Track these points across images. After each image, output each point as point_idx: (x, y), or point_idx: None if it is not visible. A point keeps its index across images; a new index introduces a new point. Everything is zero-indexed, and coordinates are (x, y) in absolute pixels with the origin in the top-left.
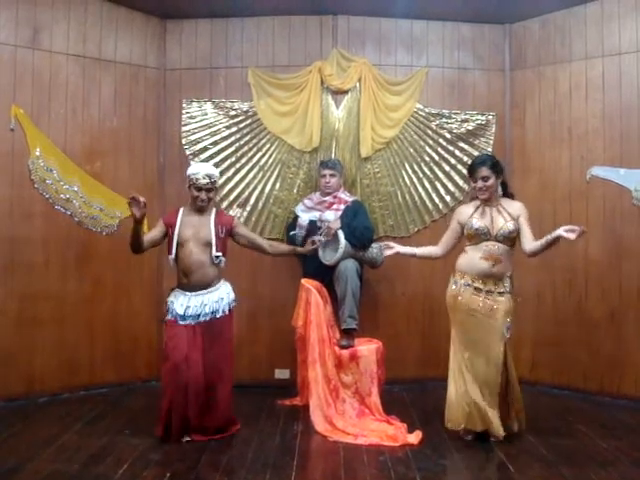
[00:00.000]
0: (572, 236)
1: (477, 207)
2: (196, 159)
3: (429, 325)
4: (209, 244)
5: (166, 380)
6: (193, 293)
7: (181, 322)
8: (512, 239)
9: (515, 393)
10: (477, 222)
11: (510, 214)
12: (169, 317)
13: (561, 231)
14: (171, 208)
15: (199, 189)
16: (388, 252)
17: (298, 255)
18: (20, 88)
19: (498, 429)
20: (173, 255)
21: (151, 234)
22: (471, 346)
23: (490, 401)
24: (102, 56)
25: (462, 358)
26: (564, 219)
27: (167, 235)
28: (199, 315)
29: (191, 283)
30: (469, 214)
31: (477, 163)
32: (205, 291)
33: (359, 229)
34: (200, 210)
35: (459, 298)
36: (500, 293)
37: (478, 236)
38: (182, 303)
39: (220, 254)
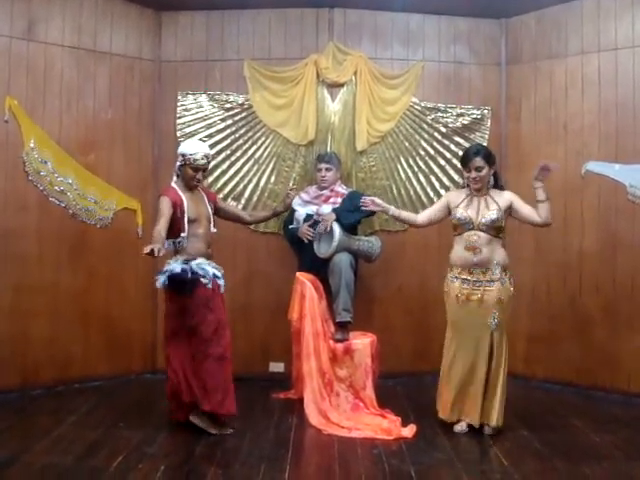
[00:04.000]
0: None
1: (467, 196)
2: None
3: (423, 319)
4: (209, 220)
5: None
6: (212, 262)
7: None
8: (496, 228)
9: (500, 387)
10: (461, 212)
11: (498, 204)
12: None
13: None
14: None
15: (196, 169)
16: (372, 207)
17: (294, 248)
18: (15, 79)
19: (475, 420)
20: (186, 233)
21: (166, 219)
22: (460, 337)
23: (474, 391)
24: (97, 48)
25: (453, 349)
26: (559, 214)
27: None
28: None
29: (212, 254)
30: (457, 202)
31: (471, 153)
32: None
33: (360, 201)
34: (193, 188)
35: (449, 291)
36: (489, 282)
37: (461, 226)
38: (214, 268)
39: (215, 229)
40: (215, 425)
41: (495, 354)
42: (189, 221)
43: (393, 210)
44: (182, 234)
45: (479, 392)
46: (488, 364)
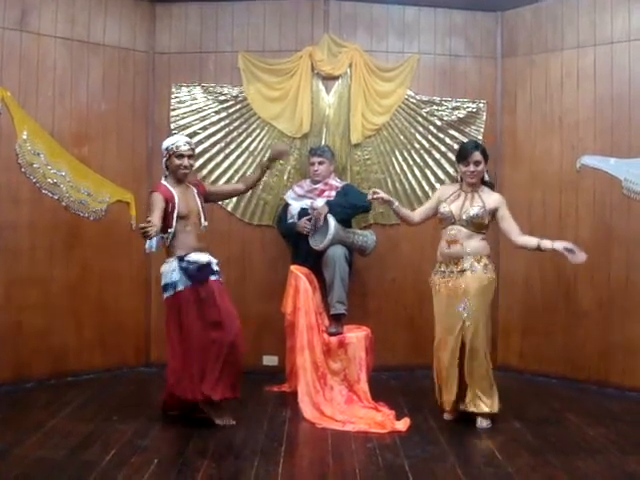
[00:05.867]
0: (574, 258)
1: (455, 190)
2: None
3: (418, 312)
4: (199, 216)
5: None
6: (207, 254)
7: (217, 277)
8: (476, 224)
9: (477, 374)
10: (444, 206)
11: (484, 202)
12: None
13: (561, 247)
14: None
15: (181, 156)
16: (375, 196)
17: (287, 241)
18: (7, 70)
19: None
20: (174, 228)
21: (159, 212)
22: (440, 327)
23: (454, 380)
24: (91, 39)
25: (437, 340)
26: (554, 208)
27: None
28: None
29: (204, 247)
30: (445, 197)
31: (471, 147)
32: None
33: (354, 197)
34: (181, 180)
35: (431, 283)
36: (460, 272)
37: (444, 220)
38: (208, 259)
39: (206, 223)
40: (221, 416)
41: (470, 344)
42: (179, 217)
43: (397, 205)
44: (169, 230)
45: (455, 380)
46: (461, 353)
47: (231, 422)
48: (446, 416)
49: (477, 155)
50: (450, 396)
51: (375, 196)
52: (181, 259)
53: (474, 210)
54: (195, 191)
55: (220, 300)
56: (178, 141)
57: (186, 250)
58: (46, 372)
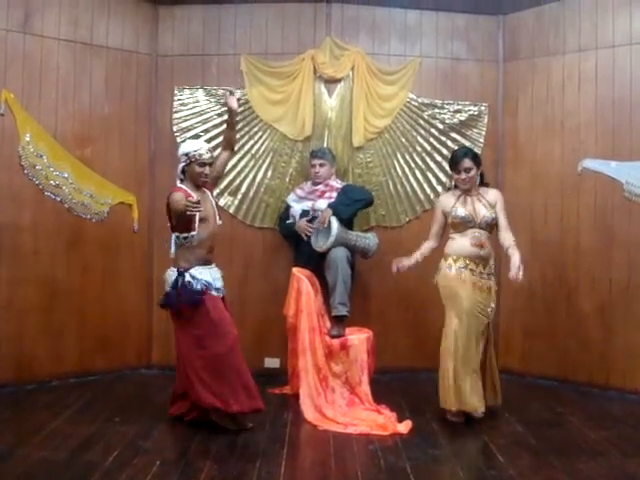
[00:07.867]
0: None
1: (458, 197)
2: None
3: (420, 315)
4: (215, 217)
5: (233, 354)
6: (212, 266)
7: (216, 294)
8: (492, 226)
9: (493, 370)
10: (462, 211)
11: (489, 202)
12: (202, 290)
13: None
14: (162, 195)
15: (203, 164)
16: (400, 269)
17: (289, 243)
18: (11, 72)
19: (478, 406)
20: (197, 231)
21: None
22: (471, 324)
23: (474, 377)
24: (94, 41)
25: (467, 336)
26: (555, 211)
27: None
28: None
29: (212, 258)
30: (452, 203)
31: (460, 155)
32: (215, 264)
33: (355, 192)
34: (200, 186)
35: (460, 278)
36: (488, 275)
37: (464, 224)
38: (211, 276)
39: (221, 222)
40: (235, 421)
41: (489, 342)
42: (199, 220)
43: (417, 258)
44: (192, 233)
45: (478, 378)
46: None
47: (249, 425)
48: (458, 419)
49: (466, 162)
50: (481, 395)
51: (399, 269)
52: (181, 273)
53: (492, 214)
54: (209, 194)
55: (214, 313)
56: (201, 149)
57: (193, 262)
58: (47, 373)
